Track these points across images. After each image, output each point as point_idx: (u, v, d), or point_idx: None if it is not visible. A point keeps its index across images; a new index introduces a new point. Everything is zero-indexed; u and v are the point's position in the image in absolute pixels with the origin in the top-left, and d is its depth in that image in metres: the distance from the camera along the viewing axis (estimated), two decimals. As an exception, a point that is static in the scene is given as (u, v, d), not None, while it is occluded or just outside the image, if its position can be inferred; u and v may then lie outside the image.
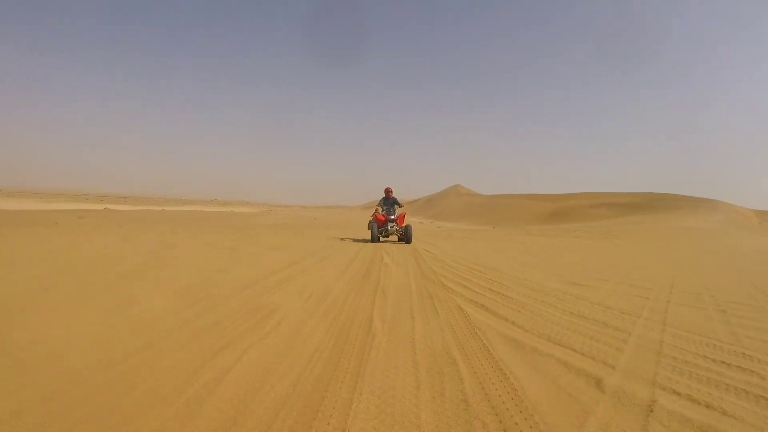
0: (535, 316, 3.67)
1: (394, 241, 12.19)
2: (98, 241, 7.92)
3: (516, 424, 1.77)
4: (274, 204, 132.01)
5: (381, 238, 12.24)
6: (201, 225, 17.04)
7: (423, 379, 2.21)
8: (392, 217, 12.42)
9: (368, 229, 15.03)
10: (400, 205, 13.04)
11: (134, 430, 1.61)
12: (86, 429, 1.61)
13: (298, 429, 1.66)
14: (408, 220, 16.11)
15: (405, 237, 11.82)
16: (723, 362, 2.67)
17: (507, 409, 1.90)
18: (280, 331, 2.92)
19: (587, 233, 22.20)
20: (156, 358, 2.34)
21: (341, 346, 2.68)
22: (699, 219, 51.68)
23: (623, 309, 4.09)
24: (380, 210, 12.83)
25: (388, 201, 12.90)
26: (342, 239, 12.27)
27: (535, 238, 16.79)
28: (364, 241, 12.01)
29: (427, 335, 2.99)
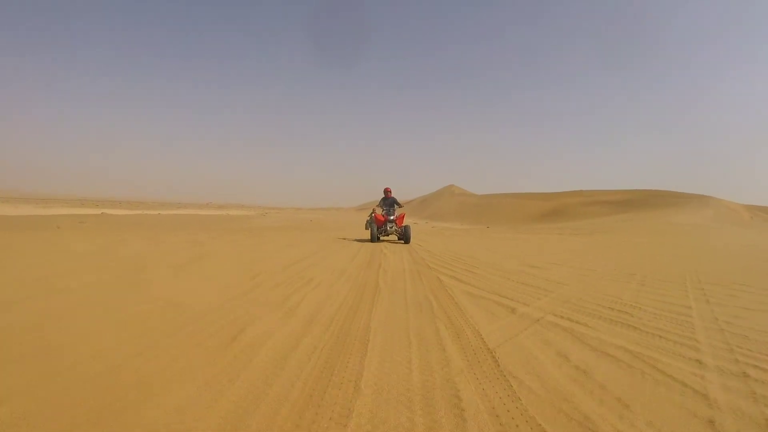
0: (490, 283, 5.42)
1: (392, 241, 12.71)
2: (134, 244, 9.24)
3: (460, 323, 3.50)
4: (267, 207, 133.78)
5: (380, 238, 12.60)
6: (210, 227, 18.63)
7: (410, 307, 3.98)
8: (391, 217, 12.68)
9: (366, 228, 15.86)
10: (399, 205, 13.28)
11: (267, 315, 3.34)
12: (262, 318, 3.34)
13: (348, 319, 3.39)
14: (404, 221, 17.19)
15: (404, 237, 12.03)
16: (611, 308, 4.28)
17: (456, 318, 3.64)
18: (321, 288, 4.67)
19: (573, 230, 24.04)
20: (259, 296, 4.09)
21: (360, 294, 4.44)
22: (689, 215, 53.01)
23: (560, 281, 5.80)
24: (380, 210, 13.22)
25: (388, 201, 13.15)
26: (344, 239, 13.57)
27: (519, 235, 18.59)
28: (364, 240, 12.83)
29: (414, 290, 4.75)
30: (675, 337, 3.29)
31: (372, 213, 14.52)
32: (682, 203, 63.64)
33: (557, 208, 60.07)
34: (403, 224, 12.67)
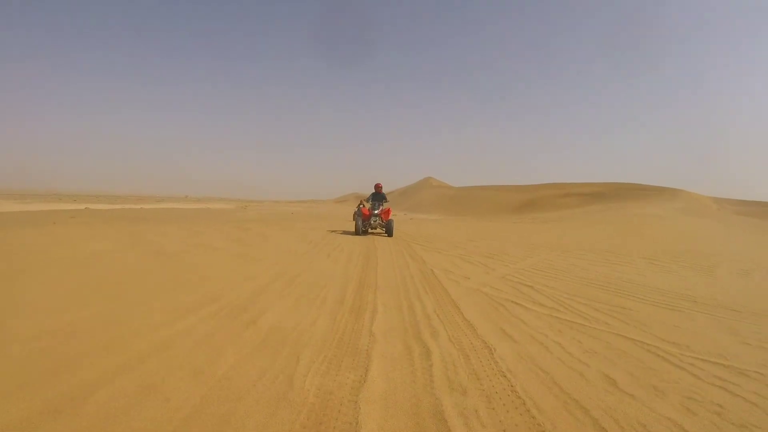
0: (435, 245, 8.59)
1: (377, 234, 13.84)
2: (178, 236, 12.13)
3: (417, 258, 5.99)
4: (246, 200, 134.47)
5: (367, 231, 13.65)
6: (205, 220, 20.56)
7: (393, 254, 7.07)
8: (376, 211, 13.60)
9: (354, 220, 16.99)
10: (386, 201, 14.29)
11: (303, 270, 6.00)
12: (304, 277, 5.94)
13: (361, 279, 6.78)
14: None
15: (387, 229, 13.07)
16: (488, 255, 6.92)
17: (420, 264, 7.00)
18: (342, 254, 7.53)
19: (532, 220, 27.18)
20: (292, 265, 7.82)
21: (367, 254, 7.23)
22: (656, 206, 56.48)
23: (476, 242, 8.52)
24: (367, 204, 14.22)
25: (377, 196, 14.13)
26: (332, 231, 15.19)
27: (481, 223, 21.60)
28: (352, 233, 13.82)
29: (396, 249, 7.56)
30: (533, 283, 5.97)
31: (360, 205, 15.86)
32: (652, 196, 67.75)
33: (532, 200, 63.57)
34: (388, 219, 13.63)
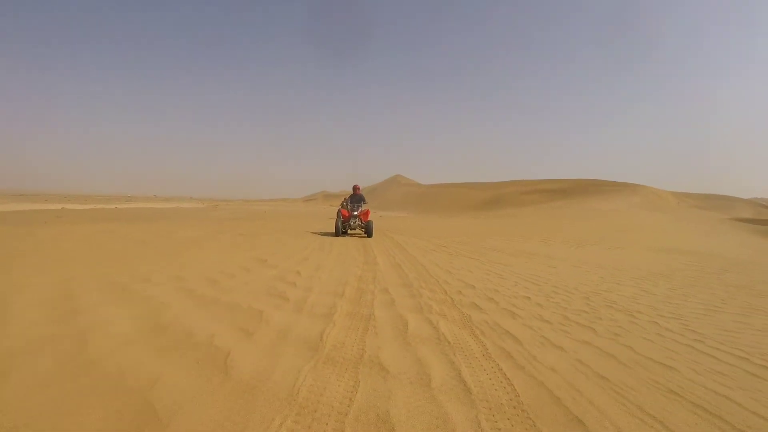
0: (408, 233, 12.48)
1: (357, 235, 14.42)
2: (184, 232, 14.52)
3: (400, 244, 10.09)
4: (214, 199, 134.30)
5: (346, 232, 14.26)
6: (191, 219, 22.96)
7: (376, 235, 10.22)
8: (355, 213, 14.15)
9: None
10: (365, 202, 14.86)
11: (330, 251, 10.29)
12: (312, 252, 11.23)
13: (365, 256, 10.90)
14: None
15: (366, 230, 13.60)
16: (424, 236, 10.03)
17: (399, 244, 11.28)
18: (350, 240, 11.14)
19: (491, 216, 29.96)
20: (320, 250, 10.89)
21: (363, 244, 11.66)
22: (615, 201, 61.28)
23: (428, 231, 11.84)
24: (346, 205, 14.72)
25: (355, 197, 14.75)
26: (316, 229, 17.83)
27: (441, 219, 24.52)
28: (329, 233, 15.03)
29: (382, 242, 10.77)
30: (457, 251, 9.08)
31: (341, 205, 17.61)
32: (612, 191, 72.57)
33: (497, 197, 67.43)
34: (367, 220, 14.19)
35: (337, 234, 13.57)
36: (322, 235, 13.85)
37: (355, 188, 14.97)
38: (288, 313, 3.94)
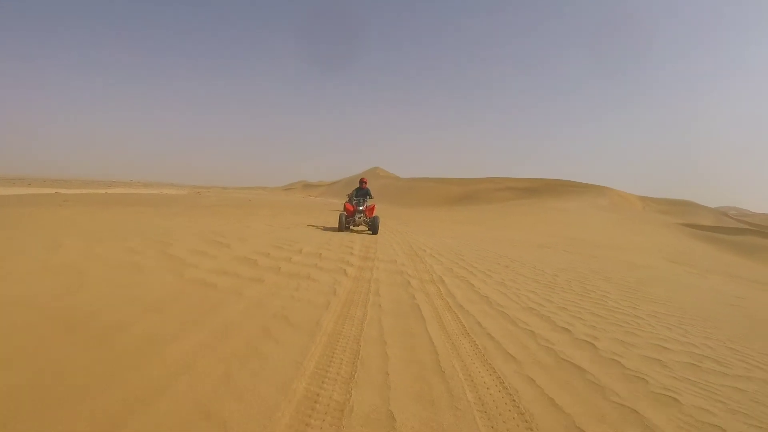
0: (389, 218, 16.95)
1: (361, 231, 14.30)
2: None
3: (395, 228, 15.24)
4: (195, 186, 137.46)
5: (350, 227, 14.16)
6: (185, 205, 27.97)
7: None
8: (361, 208, 14.10)
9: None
10: (371, 197, 14.79)
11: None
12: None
13: (372, 245, 15.71)
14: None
15: (372, 227, 13.56)
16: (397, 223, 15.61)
17: (393, 229, 16.01)
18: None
19: (457, 209, 36.29)
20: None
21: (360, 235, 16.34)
22: (580, 202, 68.21)
23: (403, 220, 17.15)
24: (351, 200, 14.64)
25: (361, 191, 14.71)
26: (313, 221, 24.20)
27: (413, 210, 30.31)
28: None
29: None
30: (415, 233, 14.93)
31: (348, 197, 20.13)
32: (580, 192, 79.59)
33: (470, 193, 73.76)
34: (372, 215, 14.14)
35: (340, 229, 13.58)
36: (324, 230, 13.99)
37: (362, 182, 15.03)
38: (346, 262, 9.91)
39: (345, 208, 14.23)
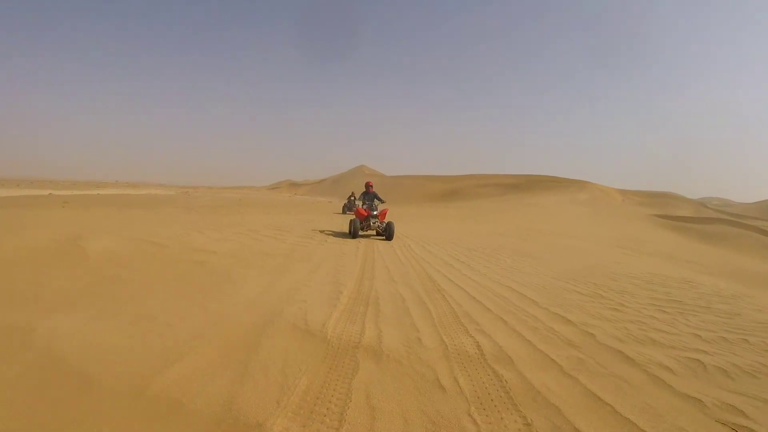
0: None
1: (371, 236, 13.91)
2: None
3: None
4: (181, 186, 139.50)
5: (360, 233, 13.64)
6: (178, 205, 31.07)
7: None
8: (374, 212, 13.71)
9: (343, 213, 24.77)
10: (381, 201, 14.46)
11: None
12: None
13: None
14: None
15: (386, 233, 13.03)
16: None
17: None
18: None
19: (441, 205, 40.09)
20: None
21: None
22: (560, 197, 71.99)
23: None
24: (361, 204, 14.25)
25: (369, 195, 14.30)
26: (318, 225, 24.10)
27: (394, 208, 33.97)
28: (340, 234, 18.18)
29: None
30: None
31: (348, 200, 24.60)
32: (561, 187, 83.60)
33: (454, 189, 77.49)
34: (385, 220, 13.90)
35: (353, 235, 13.02)
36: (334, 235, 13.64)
37: (368, 185, 14.68)
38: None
39: (356, 213, 13.97)
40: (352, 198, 27.57)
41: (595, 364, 3.81)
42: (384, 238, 13.05)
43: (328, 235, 13.54)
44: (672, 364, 3.90)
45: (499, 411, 2.92)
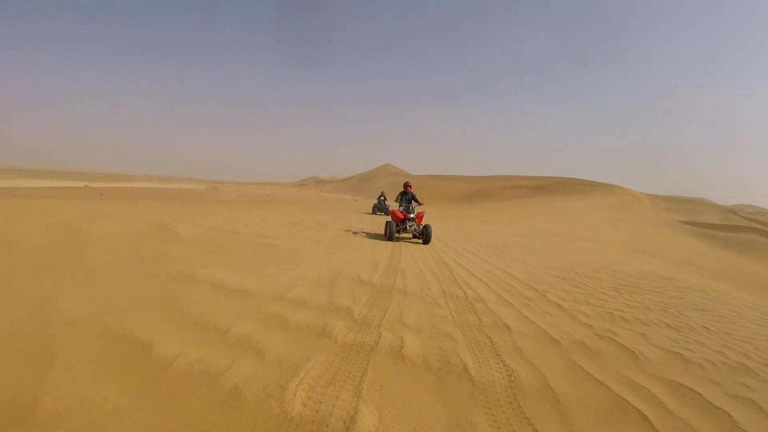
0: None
1: (408, 239, 13.98)
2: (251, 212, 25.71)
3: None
4: (210, 181, 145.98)
5: (396, 236, 13.42)
6: (217, 201, 34.17)
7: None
8: (411, 215, 13.50)
9: (373, 213, 25.62)
10: (419, 203, 14.27)
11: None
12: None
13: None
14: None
15: (423, 236, 12.88)
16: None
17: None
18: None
19: (463, 206, 42.26)
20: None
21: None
22: (587, 200, 73.18)
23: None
24: (398, 206, 14.07)
25: (406, 196, 14.13)
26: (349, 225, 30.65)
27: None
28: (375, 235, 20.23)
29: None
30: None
31: (378, 200, 26.11)
32: (589, 191, 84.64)
33: (480, 190, 79.40)
34: (422, 223, 13.69)
35: (389, 238, 12.95)
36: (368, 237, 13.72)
37: (407, 185, 14.47)
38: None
39: (392, 215, 13.87)
40: (383, 198, 27.71)
41: (536, 307, 6.28)
42: (421, 241, 13.07)
43: (361, 228, 16.33)
44: (590, 312, 6.29)
45: (467, 315, 5.55)
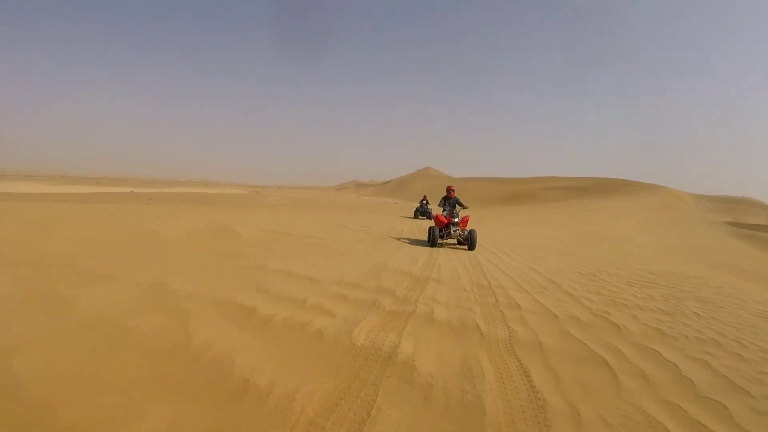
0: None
1: (452, 245, 13.78)
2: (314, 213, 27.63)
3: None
4: (252, 185, 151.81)
5: (439, 241, 13.24)
6: (272, 206, 36.35)
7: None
8: (456, 219, 13.31)
9: (414, 217, 26.07)
10: (463, 206, 14.06)
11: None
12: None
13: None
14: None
15: (468, 242, 12.70)
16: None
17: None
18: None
19: (500, 209, 43.04)
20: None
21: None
22: (630, 201, 72.20)
23: None
24: (442, 211, 13.99)
25: (450, 201, 14.03)
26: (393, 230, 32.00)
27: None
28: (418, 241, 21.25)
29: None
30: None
31: (421, 203, 26.64)
32: (632, 191, 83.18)
33: (521, 192, 79.80)
34: (467, 228, 13.51)
35: (432, 244, 12.85)
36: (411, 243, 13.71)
37: (449, 189, 14.32)
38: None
39: (436, 220, 13.61)
40: (425, 202, 27.48)
41: (549, 294, 7.50)
42: (466, 247, 12.87)
43: (402, 231, 17.73)
44: (596, 299, 7.44)
45: (487, 297, 6.91)
